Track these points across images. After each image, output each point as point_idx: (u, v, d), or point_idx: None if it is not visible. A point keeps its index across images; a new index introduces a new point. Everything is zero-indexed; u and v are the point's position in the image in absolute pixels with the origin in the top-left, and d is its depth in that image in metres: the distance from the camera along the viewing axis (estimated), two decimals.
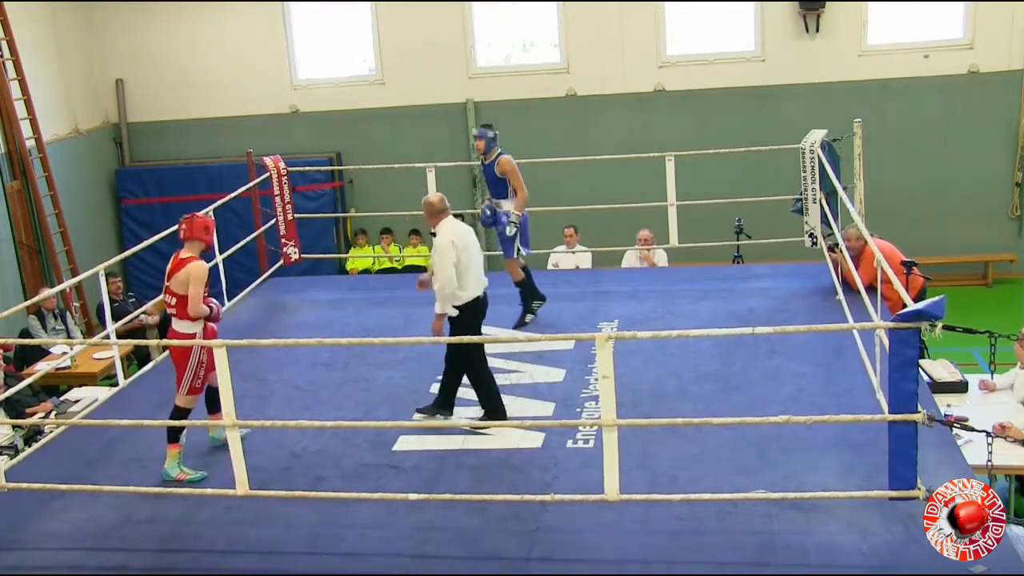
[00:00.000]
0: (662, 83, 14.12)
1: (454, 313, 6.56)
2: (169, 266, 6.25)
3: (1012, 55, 13.42)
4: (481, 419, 6.66)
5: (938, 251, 13.37)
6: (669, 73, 14.11)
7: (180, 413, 6.18)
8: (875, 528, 5.10)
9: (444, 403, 6.79)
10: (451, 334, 6.59)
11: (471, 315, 6.64)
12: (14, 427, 8.09)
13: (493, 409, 6.64)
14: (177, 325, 6.21)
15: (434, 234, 6.69)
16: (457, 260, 6.50)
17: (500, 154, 8.15)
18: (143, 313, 10.61)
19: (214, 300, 6.31)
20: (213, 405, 6.22)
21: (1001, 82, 13.50)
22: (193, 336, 6.14)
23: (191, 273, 6.12)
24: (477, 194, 14.45)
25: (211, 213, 8.92)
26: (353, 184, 14.92)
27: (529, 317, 8.35)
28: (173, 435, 6.09)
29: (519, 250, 8.28)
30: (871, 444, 5.52)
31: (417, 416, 6.79)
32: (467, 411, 6.90)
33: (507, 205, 8.23)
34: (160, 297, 9.35)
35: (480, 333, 6.80)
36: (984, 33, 13.44)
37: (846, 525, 5.17)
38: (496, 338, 7.86)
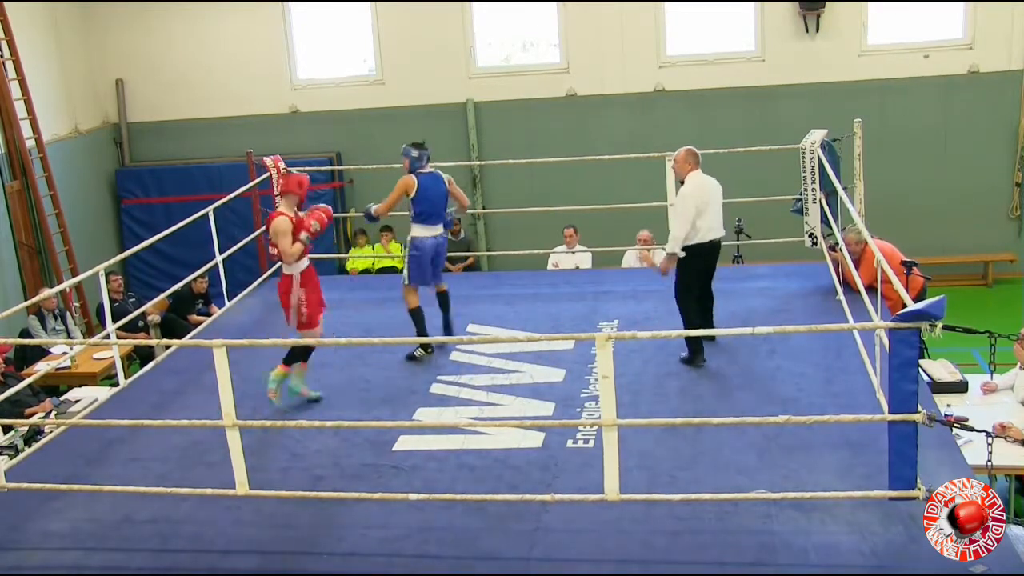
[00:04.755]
0: (662, 83, 14.12)
1: (682, 254, 7.28)
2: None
3: (1012, 55, 13.43)
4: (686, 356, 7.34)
5: (938, 251, 13.38)
6: (669, 73, 14.11)
7: (304, 347, 6.87)
8: (875, 528, 5.10)
9: (697, 348, 7.34)
10: (678, 274, 7.37)
11: (698, 258, 7.35)
12: (14, 427, 8.09)
13: (692, 349, 7.34)
14: (284, 268, 7.00)
15: (682, 183, 7.42)
16: (695, 207, 7.25)
17: (415, 173, 7.65)
18: (144, 313, 10.62)
19: (304, 232, 6.87)
20: (291, 356, 7.00)
21: (1001, 82, 13.50)
22: (291, 278, 6.92)
23: (275, 228, 6.85)
24: (477, 194, 14.46)
25: (211, 213, 8.96)
26: (353, 184, 14.92)
27: (419, 352, 7.78)
28: (289, 359, 6.93)
29: (410, 277, 7.74)
30: (871, 444, 5.53)
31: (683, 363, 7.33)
32: (467, 411, 6.91)
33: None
34: (160, 296, 9.43)
35: (708, 277, 7.53)
36: (984, 33, 13.45)
37: (846, 525, 5.17)
38: (496, 338, 7.87)
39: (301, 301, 6.93)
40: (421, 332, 7.76)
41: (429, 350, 7.80)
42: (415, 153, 7.66)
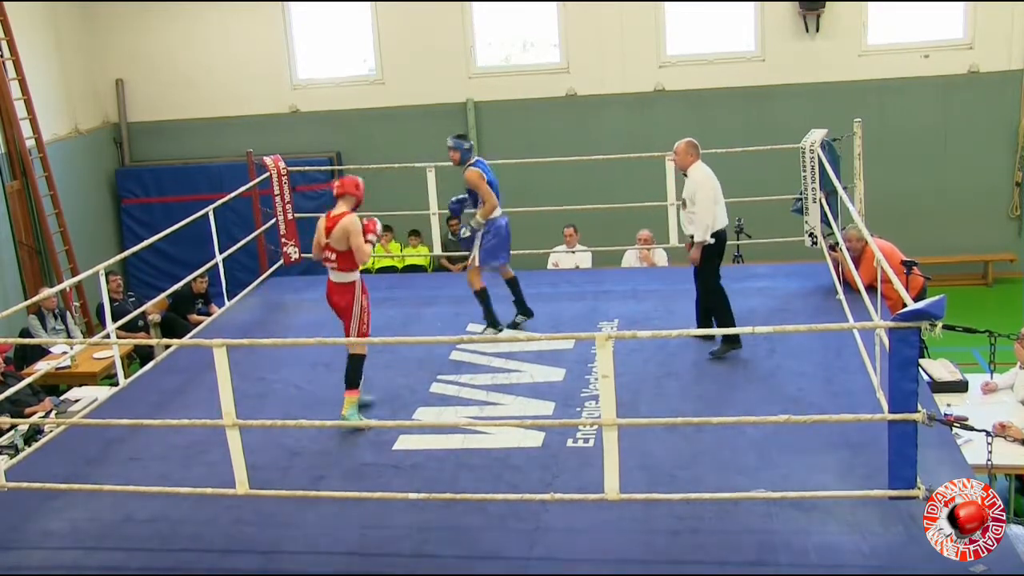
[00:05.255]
0: (662, 83, 14.12)
1: (711, 241, 7.43)
2: (323, 224, 6.67)
3: (1012, 55, 13.43)
4: (720, 349, 7.41)
5: (938, 251, 13.38)
6: (669, 73, 14.11)
7: (357, 360, 6.68)
8: (875, 528, 5.10)
9: (732, 337, 7.42)
10: (705, 264, 7.50)
11: (720, 243, 7.55)
12: (14, 427, 8.09)
13: (729, 337, 7.40)
14: (336, 277, 6.68)
15: (685, 175, 7.56)
16: (713, 193, 7.41)
17: (469, 165, 7.86)
18: (144, 313, 10.62)
19: (372, 234, 6.71)
20: (353, 378, 6.73)
21: (1001, 82, 13.50)
22: (352, 285, 6.62)
23: (347, 227, 6.52)
24: None
25: (211, 213, 8.96)
26: None
27: (489, 331, 7.96)
28: (352, 382, 6.66)
29: (481, 258, 7.91)
30: (871, 444, 5.52)
31: (713, 358, 7.40)
32: (467, 411, 6.91)
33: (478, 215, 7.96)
34: (160, 296, 9.43)
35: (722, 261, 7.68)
36: (984, 33, 13.44)
37: (846, 525, 5.17)
38: (496, 338, 7.86)
39: (364, 309, 6.73)
40: (491, 310, 7.99)
41: (499, 327, 7.96)
42: (467, 145, 7.89)
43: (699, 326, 7.63)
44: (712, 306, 7.61)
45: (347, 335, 6.74)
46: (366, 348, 6.74)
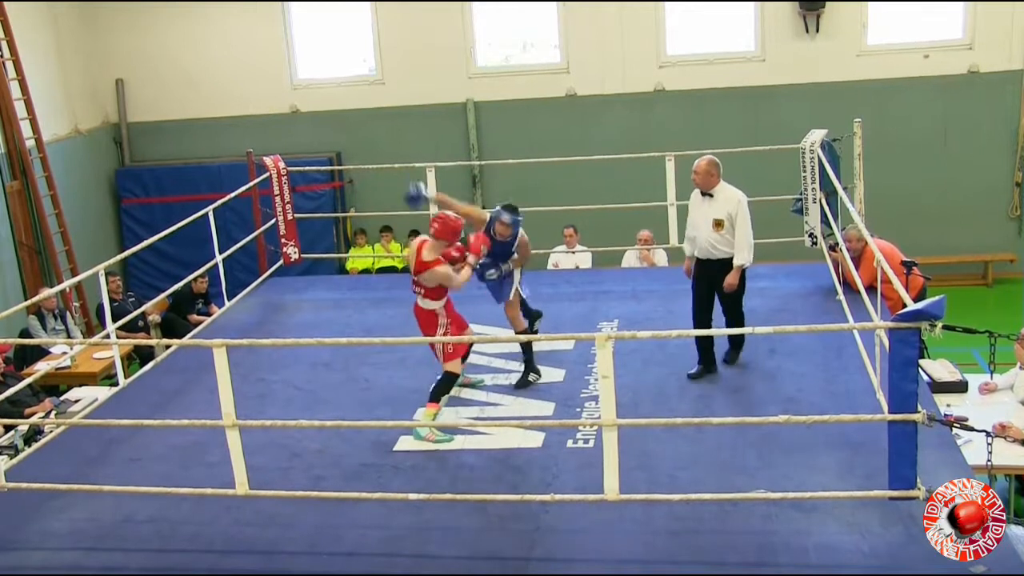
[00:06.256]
0: (662, 83, 14.12)
1: (752, 263, 7.22)
2: (414, 258, 6.65)
3: (1012, 55, 13.43)
4: (730, 353, 7.36)
5: (938, 251, 13.38)
6: (669, 73, 14.11)
7: (449, 378, 6.71)
8: (875, 528, 5.10)
9: (739, 343, 7.42)
10: (739, 285, 7.22)
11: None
12: (14, 427, 8.09)
13: (739, 344, 7.40)
14: (423, 303, 6.74)
15: (710, 195, 7.21)
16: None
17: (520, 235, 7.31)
18: (144, 313, 10.62)
19: (473, 255, 6.71)
20: (437, 392, 6.74)
21: (1001, 82, 13.51)
22: (435, 311, 6.71)
23: (438, 276, 6.58)
24: (477, 193, 14.46)
25: (211, 213, 8.96)
26: (353, 184, 14.93)
27: (532, 377, 7.36)
28: (435, 395, 6.64)
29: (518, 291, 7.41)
30: (871, 444, 5.52)
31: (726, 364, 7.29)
32: (467, 411, 6.92)
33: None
34: (160, 296, 9.43)
35: None
36: (984, 33, 13.45)
37: (846, 525, 5.17)
38: (496, 338, 7.86)
39: (448, 332, 6.70)
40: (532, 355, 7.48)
41: (539, 375, 7.40)
42: (520, 219, 7.29)
43: (700, 348, 7.30)
44: (734, 326, 7.29)
45: (433, 351, 6.83)
46: (459, 367, 6.79)
